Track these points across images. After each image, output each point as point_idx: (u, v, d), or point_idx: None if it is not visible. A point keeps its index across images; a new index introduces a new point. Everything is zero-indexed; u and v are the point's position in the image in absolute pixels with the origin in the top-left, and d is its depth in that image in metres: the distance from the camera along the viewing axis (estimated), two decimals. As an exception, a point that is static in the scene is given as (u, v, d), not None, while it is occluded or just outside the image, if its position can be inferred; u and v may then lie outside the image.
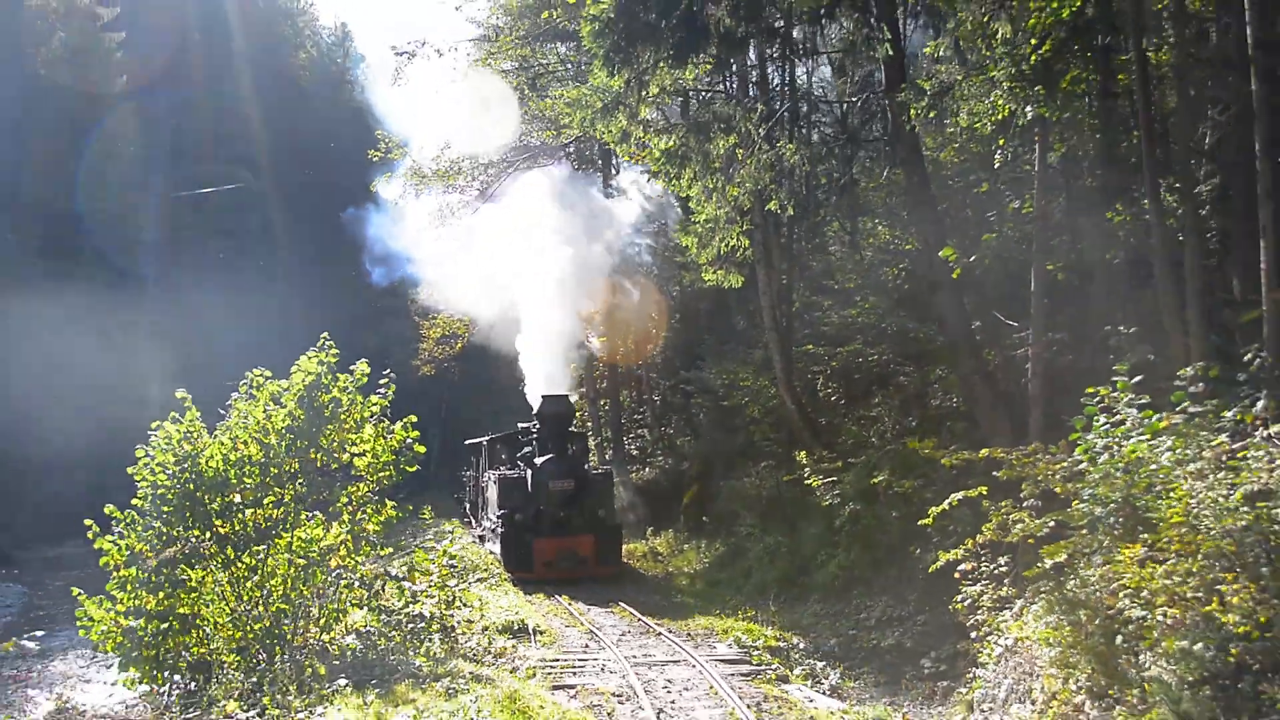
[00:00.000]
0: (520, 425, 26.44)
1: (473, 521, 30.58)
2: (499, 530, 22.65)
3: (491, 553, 24.00)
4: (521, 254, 26.76)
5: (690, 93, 18.45)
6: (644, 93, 15.10)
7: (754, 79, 18.73)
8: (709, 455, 26.90)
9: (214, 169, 64.68)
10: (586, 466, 23.95)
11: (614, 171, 32.67)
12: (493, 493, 24.57)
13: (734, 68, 18.34)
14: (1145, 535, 8.90)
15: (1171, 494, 8.84)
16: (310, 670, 10.36)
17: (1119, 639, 8.70)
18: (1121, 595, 8.92)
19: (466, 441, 33.26)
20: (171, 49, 58.66)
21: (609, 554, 22.19)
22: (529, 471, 22.99)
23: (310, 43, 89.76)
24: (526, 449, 24.03)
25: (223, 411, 13.91)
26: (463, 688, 10.07)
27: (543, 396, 23.88)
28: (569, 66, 34.17)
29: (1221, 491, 8.59)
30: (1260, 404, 9.91)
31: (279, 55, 78.76)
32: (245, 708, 9.82)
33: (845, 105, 15.56)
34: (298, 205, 68.97)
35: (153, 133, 56.88)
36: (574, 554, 21.57)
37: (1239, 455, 9.15)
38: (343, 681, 10.21)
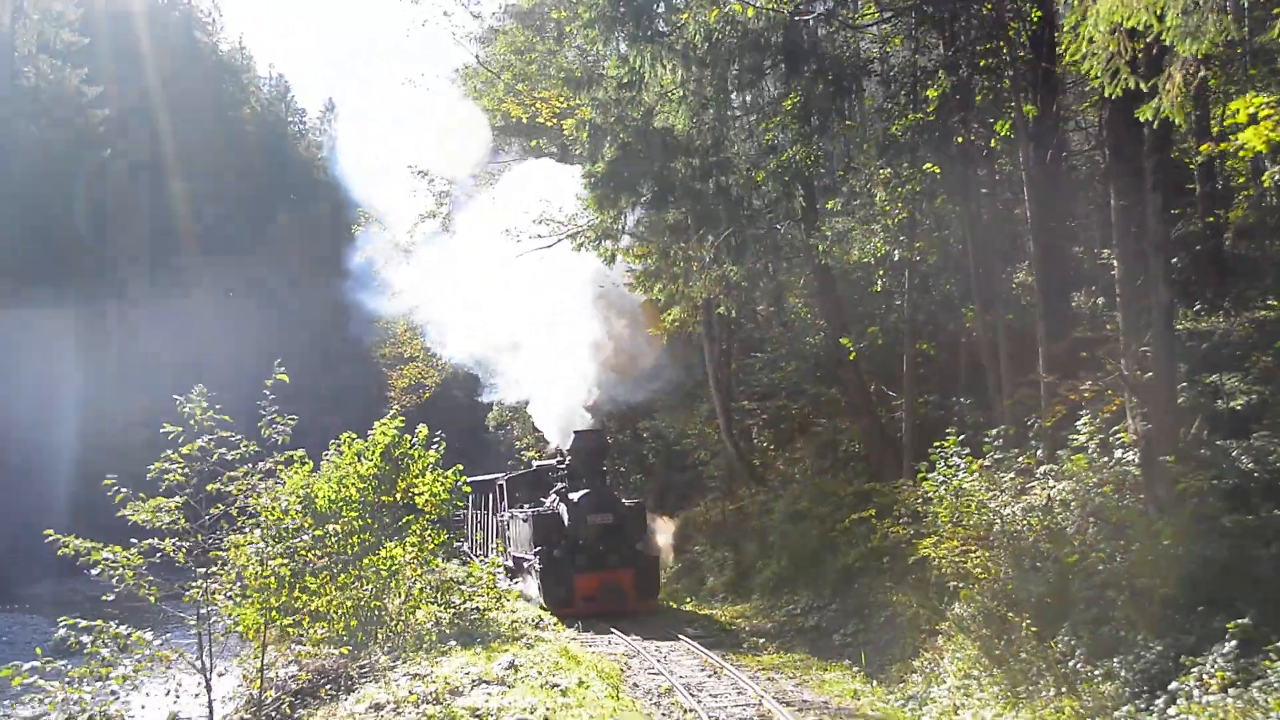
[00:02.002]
0: (536, 464, 27.95)
1: (473, 560, 32.28)
2: (537, 567, 22.35)
3: (521, 590, 23.69)
4: (526, 298, 27.15)
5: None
6: (624, 224, 20.67)
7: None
8: (662, 489, 32.21)
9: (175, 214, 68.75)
10: (622, 500, 24.01)
11: None
12: (521, 529, 24.39)
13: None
14: (961, 534, 14.52)
15: (980, 510, 14.46)
16: (429, 638, 15.55)
17: (945, 597, 14.31)
18: (948, 572, 14.51)
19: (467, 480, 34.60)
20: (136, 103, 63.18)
21: (648, 587, 22.36)
22: (563, 506, 23.09)
23: (254, 98, 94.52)
24: (560, 484, 24.01)
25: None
26: (534, 644, 15.39)
27: (575, 432, 24.25)
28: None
29: (1010, 509, 14.28)
30: (1039, 452, 15.66)
31: (225, 108, 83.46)
32: (390, 661, 14.91)
33: (774, 230, 21.17)
34: (246, 250, 73.58)
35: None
36: (615, 588, 21.67)
37: (1027, 487, 14.92)
38: (453, 642, 15.42)
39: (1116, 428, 14.43)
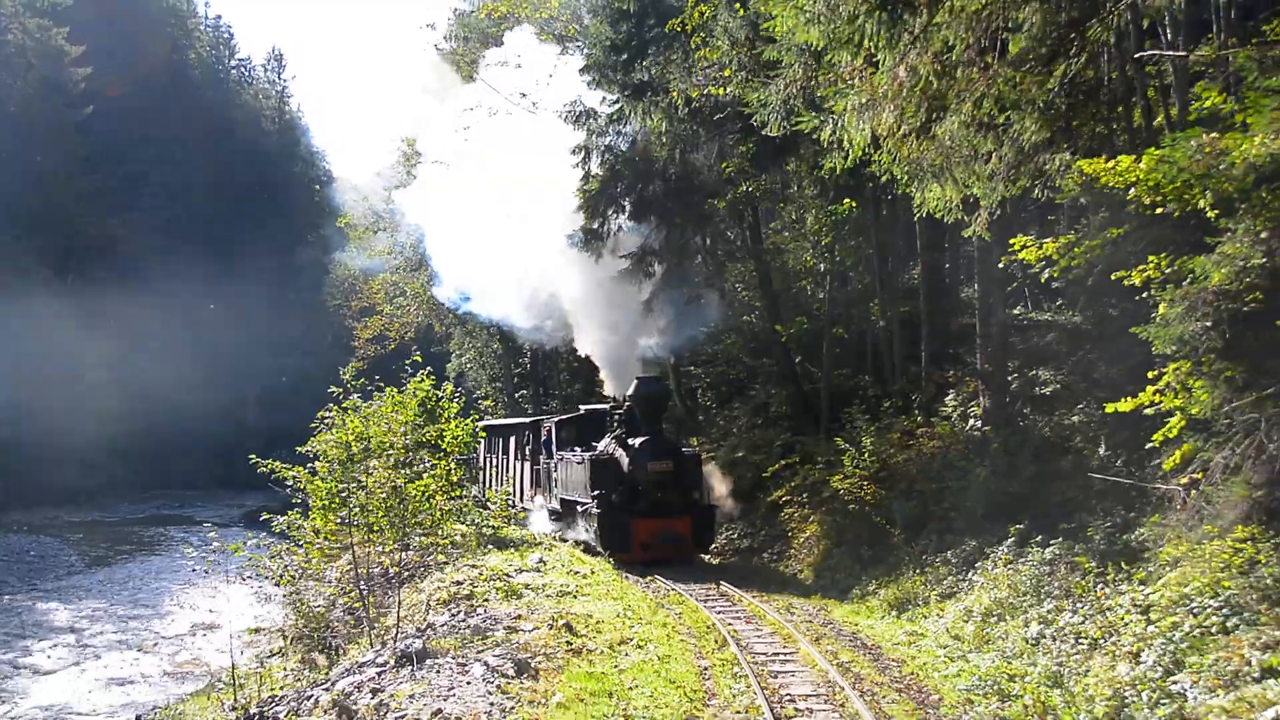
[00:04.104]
0: (584, 408, 28.14)
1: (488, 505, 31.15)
2: (594, 511, 22.43)
3: (577, 537, 24.30)
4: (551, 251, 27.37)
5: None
6: (608, 228, 26.07)
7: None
8: (616, 439, 37.72)
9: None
10: (681, 448, 24.06)
11: None
12: (574, 473, 24.51)
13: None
14: (859, 474, 20.40)
15: (872, 458, 20.36)
16: (470, 544, 21.04)
17: (847, 518, 20.23)
18: (849, 500, 20.40)
19: (486, 423, 31.22)
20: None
21: (704, 535, 22.83)
22: (621, 451, 23.19)
23: (198, 42, 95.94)
24: (618, 429, 24.04)
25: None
26: (551, 548, 21.04)
27: (637, 378, 23.98)
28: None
29: (895, 458, 20.21)
30: (919, 418, 21.63)
31: (170, 53, 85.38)
32: (445, 559, 20.35)
33: (728, 238, 26.80)
34: (215, 221, 76.70)
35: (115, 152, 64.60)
36: (673, 535, 21.92)
37: (907, 443, 20.87)
38: (490, 546, 20.96)
39: (972, 403, 20.49)
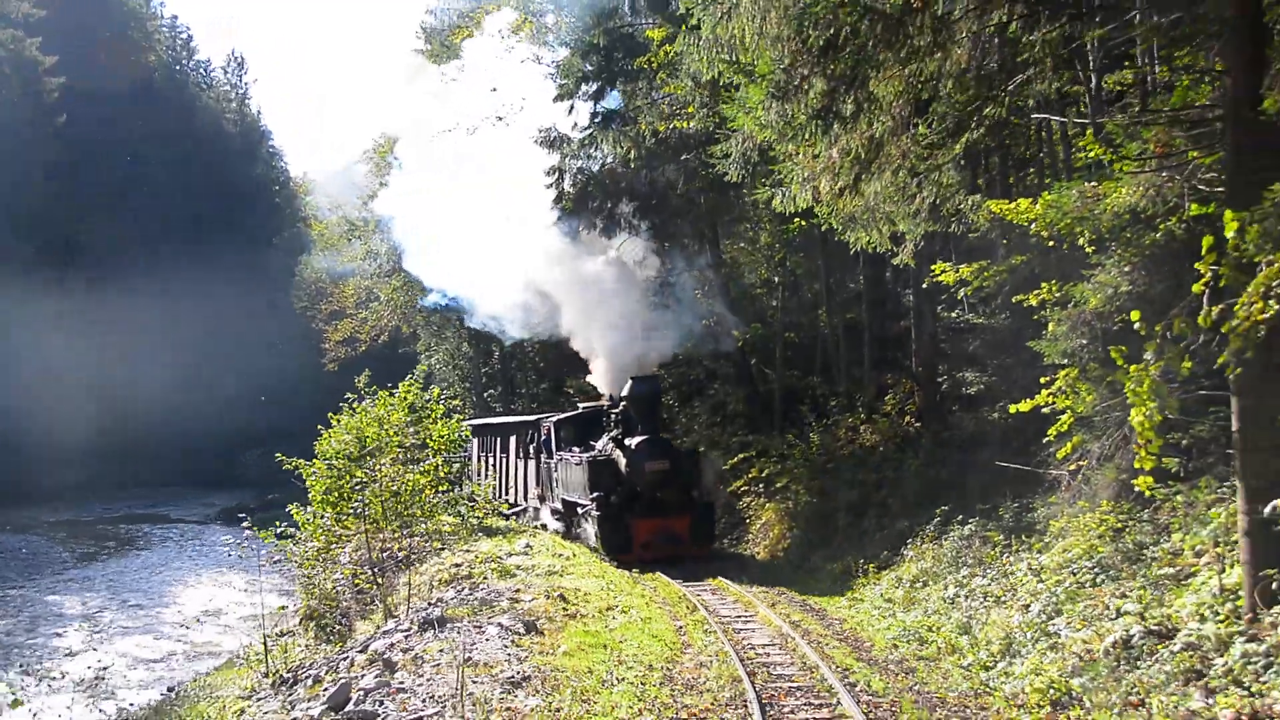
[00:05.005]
0: (583, 406, 28.33)
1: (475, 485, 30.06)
2: (594, 513, 22.54)
3: (580, 539, 24.39)
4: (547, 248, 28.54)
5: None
6: (583, 236, 28.44)
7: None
8: (583, 436, 40.00)
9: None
10: (678, 446, 24.35)
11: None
12: (574, 474, 24.59)
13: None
14: (809, 465, 22.96)
15: (818, 452, 22.92)
16: (462, 532, 23.35)
17: (796, 505, 22.77)
18: (802, 494, 22.94)
19: (473, 423, 33.39)
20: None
21: (704, 533, 22.64)
22: (619, 452, 23.25)
23: (159, 44, 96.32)
24: (615, 429, 24.01)
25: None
26: (535, 534, 23.41)
27: (633, 378, 23.75)
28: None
29: (840, 451, 22.78)
30: (862, 415, 24.22)
31: (130, 53, 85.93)
32: (439, 545, 22.61)
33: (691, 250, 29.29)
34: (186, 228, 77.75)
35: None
36: (672, 534, 22.00)
37: (851, 438, 23.45)
38: (480, 534, 23.27)
39: (908, 402, 23.12)
